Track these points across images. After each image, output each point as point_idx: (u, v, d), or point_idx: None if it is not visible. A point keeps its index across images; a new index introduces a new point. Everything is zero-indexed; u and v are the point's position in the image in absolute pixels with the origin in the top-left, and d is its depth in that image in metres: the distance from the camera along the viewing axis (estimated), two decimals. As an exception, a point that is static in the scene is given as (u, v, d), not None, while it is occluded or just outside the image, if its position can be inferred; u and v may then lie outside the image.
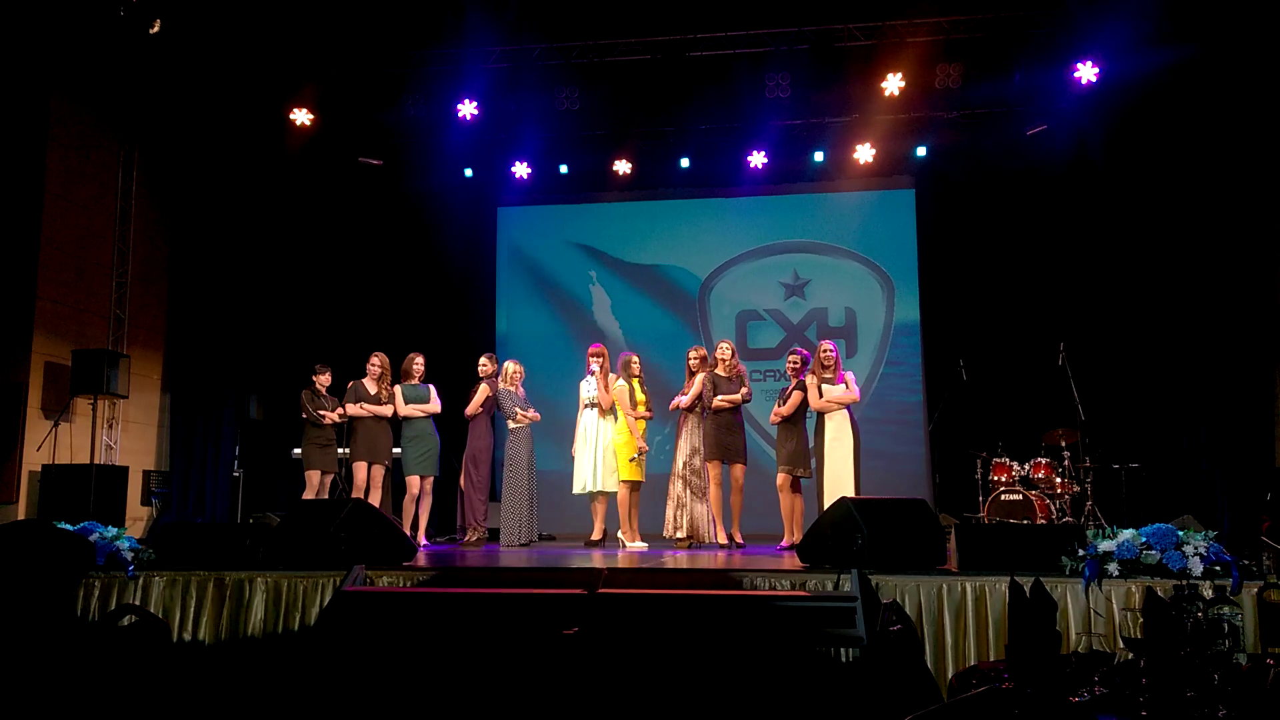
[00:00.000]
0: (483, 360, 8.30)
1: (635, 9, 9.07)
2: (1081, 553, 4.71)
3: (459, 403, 8.26)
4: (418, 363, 8.15)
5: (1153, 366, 9.27)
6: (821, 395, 7.30)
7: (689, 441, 7.66)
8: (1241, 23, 8.35)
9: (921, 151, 10.07)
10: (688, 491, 7.58)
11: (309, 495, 7.96)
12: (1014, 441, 8.65)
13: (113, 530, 5.54)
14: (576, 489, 7.85)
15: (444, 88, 9.51)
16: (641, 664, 4.40)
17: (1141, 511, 8.58)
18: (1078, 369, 8.57)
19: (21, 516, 8.00)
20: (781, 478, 7.41)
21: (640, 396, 7.82)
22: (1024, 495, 8.07)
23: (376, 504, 7.45)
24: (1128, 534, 4.67)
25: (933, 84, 9.05)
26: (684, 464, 7.63)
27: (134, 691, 2.59)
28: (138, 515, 9.25)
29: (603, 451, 7.74)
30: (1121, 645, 4.40)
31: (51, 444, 8.33)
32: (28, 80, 8.46)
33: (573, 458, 7.94)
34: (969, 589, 4.70)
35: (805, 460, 7.42)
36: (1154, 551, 4.57)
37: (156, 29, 8.11)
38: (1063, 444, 8.44)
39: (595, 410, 7.81)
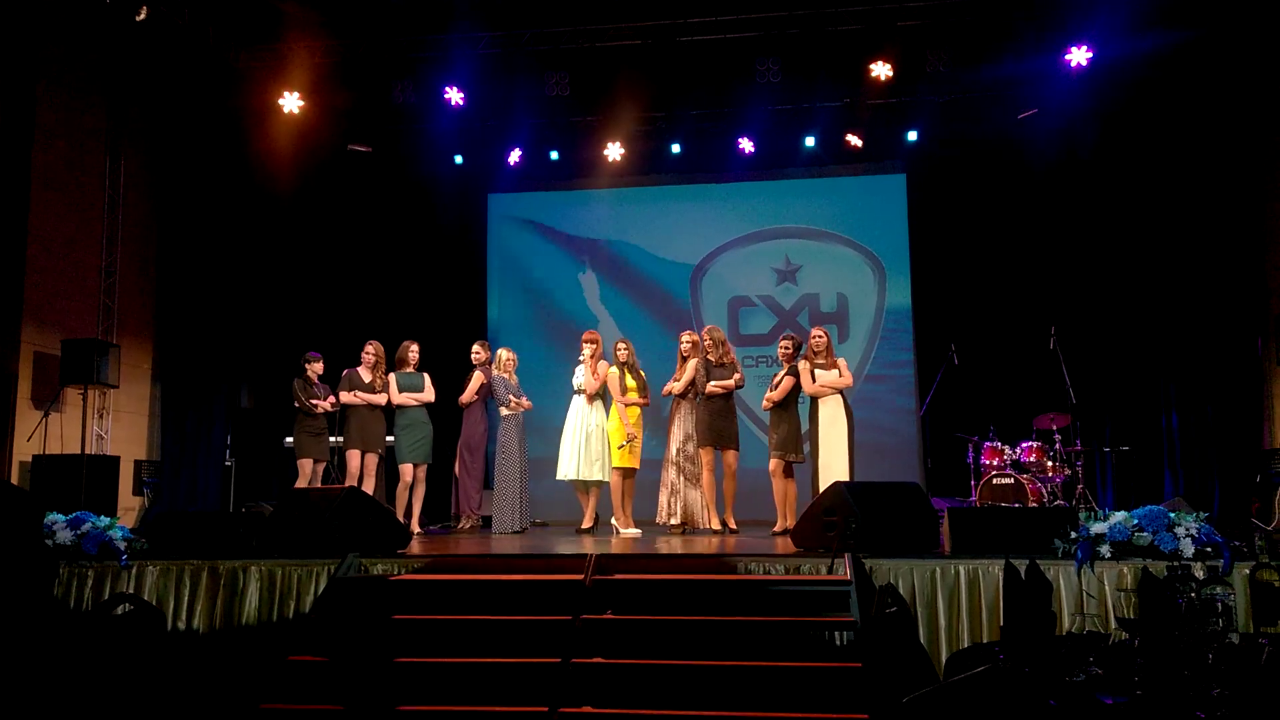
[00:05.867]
0: (476, 347, 8.29)
1: (624, -7, 9.03)
2: (1074, 535, 4.75)
3: (450, 390, 8.24)
4: (412, 350, 8.11)
5: (1143, 350, 9.31)
6: (814, 380, 7.31)
7: (682, 428, 7.64)
8: (1233, 5, 8.36)
9: (912, 136, 10.06)
10: (681, 478, 7.57)
11: (301, 484, 7.94)
12: (1005, 425, 8.69)
13: (105, 520, 5.55)
14: (558, 475, 7.76)
15: (433, 74, 9.46)
16: (637, 649, 4.42)
17: (1132, 494, 8.64)
18: (1068, 352, 8.60)
19: (12, 507, 7.96)
20: (774, 463, 7.42)
21: (631, 383, 7.74)
22: (1015, 479, 8.10)
23: (370, 492, 7.44)
24: (1119, 516, 4.71)
25: (923, 68, 9.04)
26: (677, 450, 7.62)
27: (132, 677, 2.59)
28: (129, 505, 9.22)
29: (585, 440, 7.65)
30: (1114, 626, 4.45)
31: (42, 434, 8.29)
32: (13, 68, 8.38)
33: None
34: (962, 572, 4.73)
35: (797, 445, 7.43)
36: (1146, 533, 4.62)
37: (143, 16, 8.04)
38: (1054, 427, 8.47)
39: (582, 397, 7.78)
